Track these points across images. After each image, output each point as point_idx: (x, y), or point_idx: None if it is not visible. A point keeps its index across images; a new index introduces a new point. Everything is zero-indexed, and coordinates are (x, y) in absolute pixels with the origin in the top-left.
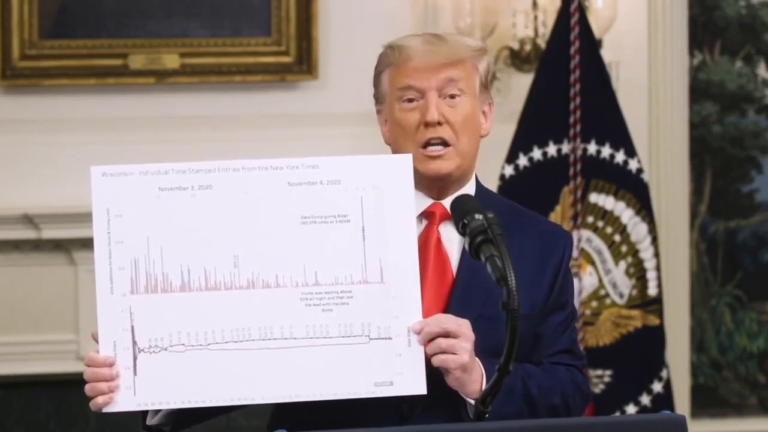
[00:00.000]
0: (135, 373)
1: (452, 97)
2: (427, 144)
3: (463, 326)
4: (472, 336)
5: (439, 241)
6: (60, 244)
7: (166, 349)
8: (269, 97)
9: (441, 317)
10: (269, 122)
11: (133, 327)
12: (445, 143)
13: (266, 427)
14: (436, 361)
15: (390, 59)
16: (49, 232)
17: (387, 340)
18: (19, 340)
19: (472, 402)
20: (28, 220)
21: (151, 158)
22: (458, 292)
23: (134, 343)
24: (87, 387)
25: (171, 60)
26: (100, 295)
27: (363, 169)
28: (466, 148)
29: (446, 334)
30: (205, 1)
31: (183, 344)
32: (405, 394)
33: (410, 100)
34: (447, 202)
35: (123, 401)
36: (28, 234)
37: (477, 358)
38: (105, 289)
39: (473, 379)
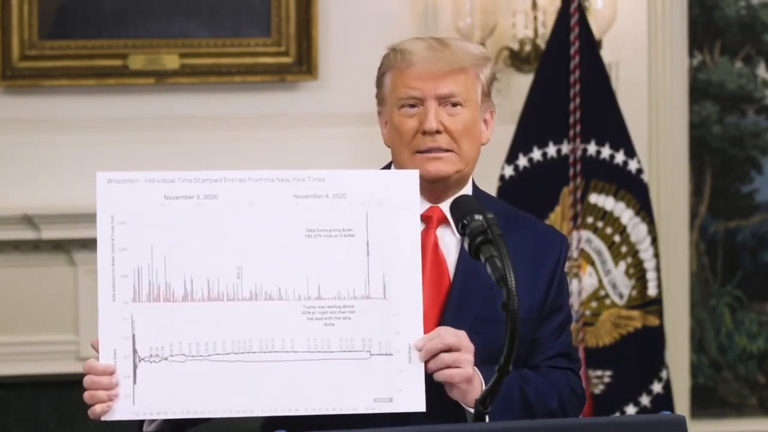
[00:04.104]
0: (134, 382)
1: (453, 105)
2: (426, 150)
3: (462, 338)
4: (471, 347)
5: (436, 244)
6: (60, 244)
7: (166, 359)
8: (269, 98)
9: (442, 331)
10: (269, 122)
11: (134, 335)
12: (445, 150)
13: (260, 426)
14: (441, 376)
15: (393, 62)
16: (48, 233)
17: (388, 356)
18: (19, 340)
19: (473, 411)
20: (28, 220)
21: (151, 158)
22: (455, 296)
23: (135, 351)
24: (86, 394)
25: (171, 60)
26: (102, 302)
27: (369, 184)
28: (468, 154)
29: (448, 349)
30: (205, 2)
31: (184, 354)
32: (404, 410)
33: (410, 106)
34: (445, 206)
35: (121, 410)
36: (28, 234)
37: (476, 368)
38: (107, 296)
39: (474, 389)
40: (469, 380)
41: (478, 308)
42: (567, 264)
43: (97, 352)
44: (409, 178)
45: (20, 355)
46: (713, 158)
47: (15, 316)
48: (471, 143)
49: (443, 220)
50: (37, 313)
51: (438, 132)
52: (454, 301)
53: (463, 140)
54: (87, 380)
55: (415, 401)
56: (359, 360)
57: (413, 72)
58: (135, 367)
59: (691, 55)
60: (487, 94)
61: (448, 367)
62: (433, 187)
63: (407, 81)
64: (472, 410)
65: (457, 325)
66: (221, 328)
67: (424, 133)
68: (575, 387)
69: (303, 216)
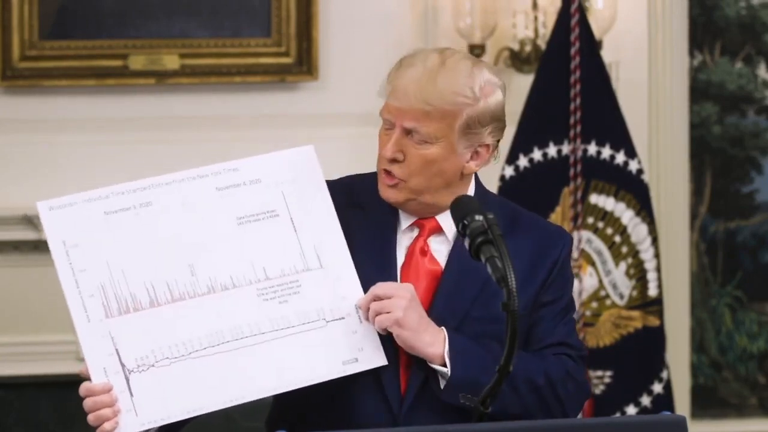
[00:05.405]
0: (131, 395)
1: (418, 141)
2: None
3: (396, 289)
4: (407, 295)
5: (423, 250)
6: None
7: (153, 366)
8: (269, 98)
9: (374, 286)
10: (269, 123)
11: (117, 350)
12: (398, 178)
13: (264, 425)
14: (376, 325)
15: (389, 76)
16: None
17: (341, 320)
18: (19, 340)
19: (438, 368)
20: (28, 220)
21: (151, 158)
22: (441, 297)
23: (122, 365)
24: (90, 417)
25: (171, 61)
26: (79, 325)
27: (276, 165)
28: (421, 187)
29: (377, 299)
30: (205, 2)
31: (167, 358)
32: (369, 367)
33: (387, 127)
34: (441, 218)
35: (127, 425)
36: (27, 234)
37: (433, 323)
38: (81, 318)
39: (426, 340)
40: (399, 323)
41: (466, 310)
42: None
43: (87, 378)
44: (306, 153)
45: (20, 355)
46: (713, 158)
47: (15, 316)
48: (427, 178)
49: (436, 230)
50: (37, 313)
51: (395, 160)
52: (440, 302)
53: (416, 174)
54: (88, 403)
55: (376, 357)
56: (318, 329)
57: (391, 98)
58: (128, 381)
59: (691, 55)
60: (473, 131)
61: (379, 314)
62: (400, 208)
63: (387, 102)
64: (438, 368)
65: (443, 325)
66: (192, 326)
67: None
68: (572, 372)
69: (229, 206)
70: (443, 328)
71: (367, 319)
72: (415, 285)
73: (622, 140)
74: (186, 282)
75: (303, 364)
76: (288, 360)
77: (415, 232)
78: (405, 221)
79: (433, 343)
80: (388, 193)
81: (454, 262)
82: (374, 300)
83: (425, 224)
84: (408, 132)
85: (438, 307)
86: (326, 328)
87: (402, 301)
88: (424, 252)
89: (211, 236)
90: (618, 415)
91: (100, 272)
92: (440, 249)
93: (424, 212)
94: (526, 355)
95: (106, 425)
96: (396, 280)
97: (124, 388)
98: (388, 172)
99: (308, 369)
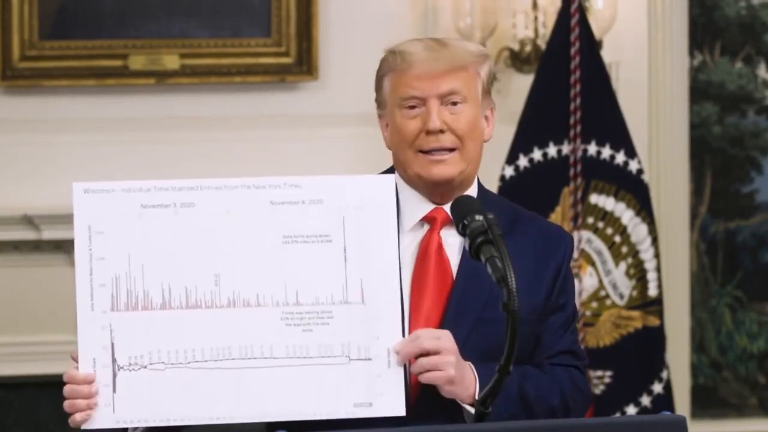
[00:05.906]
0: (114, 391)
1: (454, 104)
2: (430, 150)
3: (442, 340)
4: (453, 347)
5: (440, 246)
6: (60, 244)
7: (145, 367)
8: (269, 98)
9: (419, 334)
10: (269, 123)
11: (113, 344)
12: (449, 150)
13: (264, 425)
14: (422, 379)
15: (391, 65)
16: (49, 233)
17: (367, 360)
18: (19, 340)
19: (468, 408)
20: (28, 220)
21: (151, 158)
22: (457, 297)
23: (114, 360)
24: (66, 404)
25: (171, 61)
26: (80, 312)
27: (345, 190)
28: (472, 153)
29: (426, 353)
30: (205, 2)
31: (163, 362)
32: (384, 415)
33: (411, 107)
34: (448, 207)
35: (102, 418)
36: (28, 234)
37: (468, 363)
38: (85, 305)
39: (465, 386)
40: (450, 381)
41: (479, 309)
42: None
43: (76, 362)
44: (385, 184)
45: (20, 355)
46: (713, 158)
47: (15, 316)
48: (474, 141)
49: (447, 222)
50: (37, 313)
51: (442, 131)
52: (455, 302)
53: (466, 139)
54: (67, 390)
55: (395, 406)
56: (338, 365)
57: (413, 73)
58: (114, 376)
59: (691, 55)
60: (487, 92)
61: (429, 370)
62: (436, 189)
63: (408, 81)
64: (468, 407)
65: (458, 326)
66: (200, 336)
67: (428, 132)
68: (579, 384)
69: (280, 222)
70: (470, 364)
71: (401, 365)
72: (425, 287)
73: (622, 140)
74: (206, 291)
75: (308, 397)
76: (293, 390)
77: (426, 228)
78: (410, 220)
79: (468, 386)
80: (439, 170)
81: (465, 263)
82: (423, 354)
83: (437, 216)
84: (442, 99)
85: (450, 315)
86: (347, 366)
87: (452, 358)
88: (440, 247)
89: (248, 250)
90: (618, 415)
91: (118, 263)
92: (453, 243)
93: (452, 193)
94: (539, 376)
95: (77, 416)
96: (399, 285)
97: (108, 382)
98: (431, 151)
99: (313, 402)
